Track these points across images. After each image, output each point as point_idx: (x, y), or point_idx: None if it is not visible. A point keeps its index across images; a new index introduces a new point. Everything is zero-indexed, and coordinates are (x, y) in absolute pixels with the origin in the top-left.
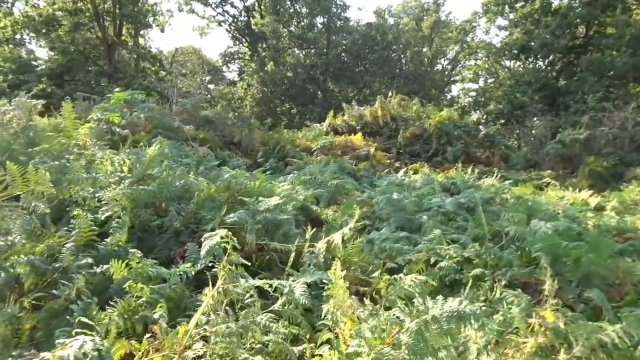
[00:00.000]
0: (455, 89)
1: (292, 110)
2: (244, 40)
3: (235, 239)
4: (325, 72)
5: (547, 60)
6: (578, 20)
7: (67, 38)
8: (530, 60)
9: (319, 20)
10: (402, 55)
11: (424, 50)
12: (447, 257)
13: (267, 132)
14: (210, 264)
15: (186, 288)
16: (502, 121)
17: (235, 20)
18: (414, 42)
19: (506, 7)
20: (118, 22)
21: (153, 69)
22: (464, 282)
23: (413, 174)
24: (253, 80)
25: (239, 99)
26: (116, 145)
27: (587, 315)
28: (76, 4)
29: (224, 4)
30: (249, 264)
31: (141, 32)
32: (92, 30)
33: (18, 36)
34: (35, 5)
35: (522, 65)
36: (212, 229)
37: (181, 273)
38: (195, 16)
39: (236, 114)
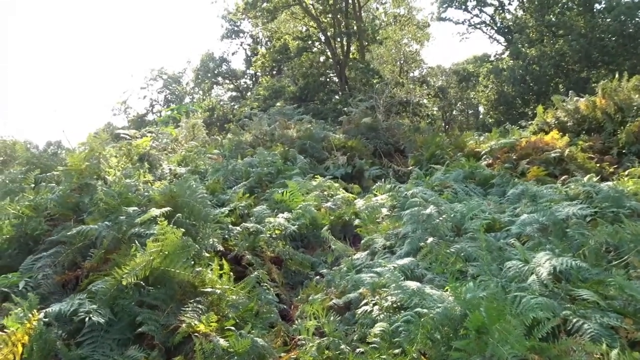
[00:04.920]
0: None
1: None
2: (502, 40)
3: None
4: (579, 60)
5: None
6: None
7: (307, 62)
8: None
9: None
10: None
11: None
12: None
13: (433, 137)
14: None
15: None
16: None
17: (493, 19)
18: None
19: None
20: (345, 41)
21: (375, 81)
22: None
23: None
24: (489, 81)
25: (476, 104)
26: None
27: None
28: (308, 30)
29: (481, 5)
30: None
31: (369, 47)
32: (324, 52)
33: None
34: (279, 38)
35: None
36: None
37: None
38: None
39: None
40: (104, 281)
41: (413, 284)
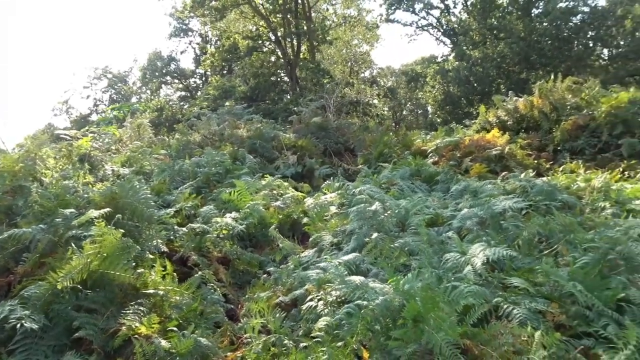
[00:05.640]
0: None
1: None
2: (448, 42)
3: None
4: (519, 62)
5: None
6: None
7: (258, 62)
8: None
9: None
10: (621, 31)
11: None
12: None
13: (381, 136)
14: None
15: None
16: None
17: (439, 21)
18: None
19: None
20: (295, 41)
21: (325, 81)
22: None
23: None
24: (436, 82)
25: (425, 104)
26: None
27: None
28: (258, 30)
29: (427, 8)
30: None
31: (320, 47)
32: (275, 51)
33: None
34: (229, 37)
35: None
36: None
37: None
38: (398, 25)
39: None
40: (37, 286)
41: (357, 278)
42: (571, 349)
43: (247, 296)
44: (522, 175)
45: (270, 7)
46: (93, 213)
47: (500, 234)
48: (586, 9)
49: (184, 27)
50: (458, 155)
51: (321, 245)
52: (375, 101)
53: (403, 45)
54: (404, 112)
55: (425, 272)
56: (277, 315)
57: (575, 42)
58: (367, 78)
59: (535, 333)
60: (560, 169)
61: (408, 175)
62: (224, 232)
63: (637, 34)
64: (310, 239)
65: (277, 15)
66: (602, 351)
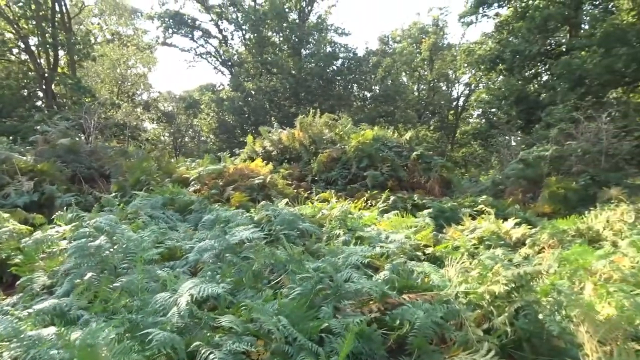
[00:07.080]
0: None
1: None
2: (226, 71)
3: None
4: (289, 97)
5: (524, 71)
6: (550, 22)
7: (3, 72)
8: (505, 71)
9: (290, 44)
10: (373, 77)
11: (425, 73)
12: None
13: (140, 162)
14: None
15: None
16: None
17: (217, 51)
18: (414, 66)
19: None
20: (52, 52)
21: (87, 100)
22: None
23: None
24: (211, 110)
25: (200, 131)
26: None
27: None
28: (3, 35)
29: (206, 36)
30: None
31: (84, 63)
32: (26, 62)
33: None
34: None
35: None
36: None
37: None
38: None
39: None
40: None
41: (46, 332)
42: None
43: None
44: (279, 204)
45: (20, 11)
46: None
47: (232, 267)
48: (348, 55)
49: None
50: (221, 183)
51: (31, 290)
52: (154, 125)
53: (187, 71)
54: (186, 139)
55: (117, 319)
56: None
57: (337, 83)
58: (144, 101)
59: None
60: (315, 197)
61: (160, 204)
62: None
63: (387, 82)
64: (18, 282)
65: (30, 21)
66: None
